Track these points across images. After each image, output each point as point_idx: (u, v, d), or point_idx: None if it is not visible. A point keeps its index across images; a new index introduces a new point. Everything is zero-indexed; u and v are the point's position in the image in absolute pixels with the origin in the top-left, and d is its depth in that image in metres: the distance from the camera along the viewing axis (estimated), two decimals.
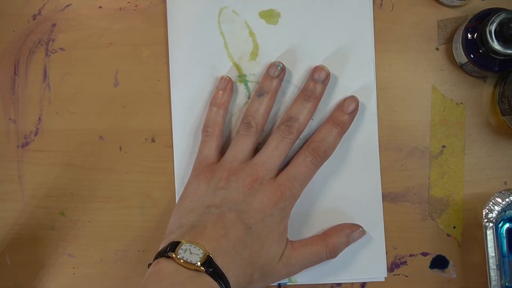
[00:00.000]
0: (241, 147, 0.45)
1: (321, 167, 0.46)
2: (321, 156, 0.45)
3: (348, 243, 0.46)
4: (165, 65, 0.50)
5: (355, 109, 0.46)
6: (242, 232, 0.42)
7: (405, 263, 0.48)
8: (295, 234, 0.48)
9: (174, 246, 0.40)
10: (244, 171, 0.44)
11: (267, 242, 0.43)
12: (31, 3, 0.51)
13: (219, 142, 0.47)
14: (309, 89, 0.46)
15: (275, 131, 0.45)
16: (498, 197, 0.43)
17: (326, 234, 0.46)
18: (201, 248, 0.39)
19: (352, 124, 0.47)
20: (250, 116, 0.46)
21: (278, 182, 0.44)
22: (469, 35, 0.44)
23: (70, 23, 0.50)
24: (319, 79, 0.46)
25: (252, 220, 0.42)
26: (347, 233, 0.46)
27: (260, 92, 0.46)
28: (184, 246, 0.40)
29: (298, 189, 0.44)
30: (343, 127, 0.46)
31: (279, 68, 0.46)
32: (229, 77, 0.48)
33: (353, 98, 0.46)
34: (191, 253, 0.39)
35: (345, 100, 0.46)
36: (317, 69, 0.46)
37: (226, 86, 0.47)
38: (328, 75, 0.46)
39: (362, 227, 0.46)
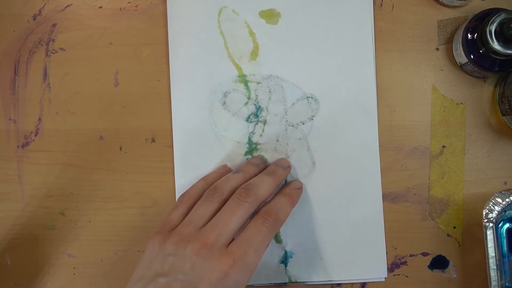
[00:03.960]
0: (201, 212, 0.42)
1: (321, 167, 0.45)
2: (274, 219, 0.42)
3: None
4: (165, 65, 0.50)
5: (300, 187, 0.47)
6: None
7: (405, 263, 0.48)
8: (295, 233, 0.48)
9: None
10: (194, 236, 0.40)
11: None
12: (31, 3, 0.51)
13: (190, 210, 0.44)
14: (271, 168, 0.47)
15: (232, 196, 0.43)
16: (498, 197, 0.43)
17: None
18: None
19: (352, 124, 0.47)
20: (219, 184, 0.44)
21: (229, 249, 0.40)
22: (469, 35, 0.44)
23: (70, 23, 0.50)
24: (281, 165, 0.47)
25: None
26: None
27: (237, 170, 0.46)
28: None
29: (252, 256, 0.40)
30: (292, 198, 0.45)
31: (261, 159, 0.48)
32: (229, 167, 0.49)
33: (298, 182, 0.48)
34: None
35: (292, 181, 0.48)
36: (280, 159, 0.48)
37: (222, 172, 0.48)
38: (289, 165, 0.48)
39: None
